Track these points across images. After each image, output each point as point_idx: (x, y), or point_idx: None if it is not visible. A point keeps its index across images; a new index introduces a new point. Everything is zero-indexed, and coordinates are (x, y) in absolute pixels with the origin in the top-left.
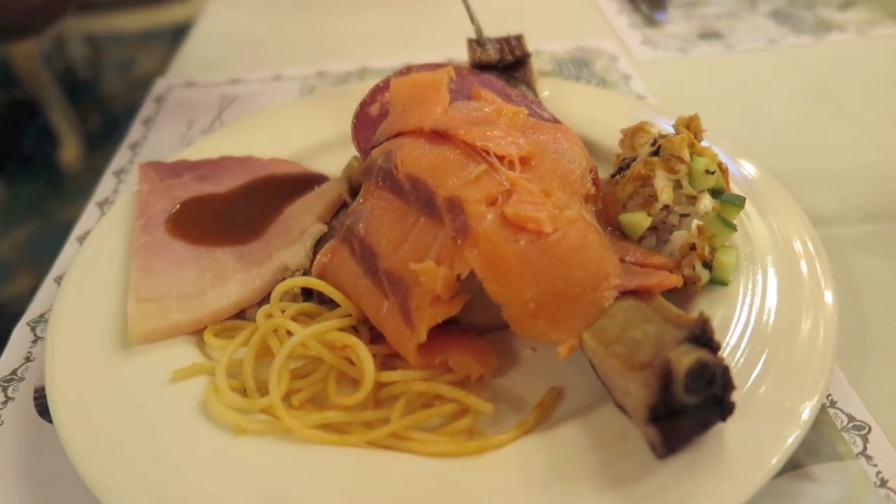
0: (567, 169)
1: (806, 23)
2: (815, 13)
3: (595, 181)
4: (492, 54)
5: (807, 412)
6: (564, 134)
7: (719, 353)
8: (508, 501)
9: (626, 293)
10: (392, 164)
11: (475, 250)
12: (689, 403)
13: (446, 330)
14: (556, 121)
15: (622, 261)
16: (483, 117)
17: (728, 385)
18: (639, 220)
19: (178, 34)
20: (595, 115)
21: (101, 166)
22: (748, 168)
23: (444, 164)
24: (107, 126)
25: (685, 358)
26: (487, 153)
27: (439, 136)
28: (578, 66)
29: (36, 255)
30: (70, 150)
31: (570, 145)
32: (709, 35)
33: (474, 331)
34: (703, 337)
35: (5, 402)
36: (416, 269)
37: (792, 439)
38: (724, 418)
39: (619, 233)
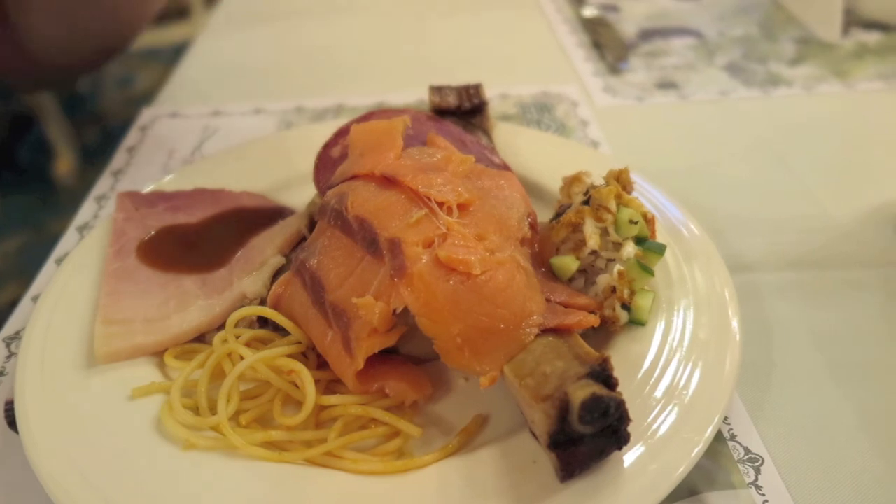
0: (505, 214)
1: (757, 76)
2: (767, 68)
3: (533, 225)
4: (451, 101)
5: (700, 443)
6: (507, 181)
7: (617, 389)
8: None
9: (546, 331)
10: (343, 206)
11: (409, 288)
12: (584, 433)
13: (385, 359)
14: (505, 167)
15: (548, 300)
16: (432, 164)
17: (623, 417)
18: (567, 263)
19: (178, 53)
20: (545, 161)
21: (95, 181)
22: (678, 215)
23: (390, 207)
24: (103, 141)
25: (580, 392)
26: (429, 199)
27: (388, 181)
28: (541, 111)
29: (26, 266)
30: (65, 164)
31: (510, 191)
32: (666, 85)
33: (411, 360)
34: (602, 374)
35: None
36: (357, 303)
37: (680, 471)
38: (619, 447)
39: (551, 274)
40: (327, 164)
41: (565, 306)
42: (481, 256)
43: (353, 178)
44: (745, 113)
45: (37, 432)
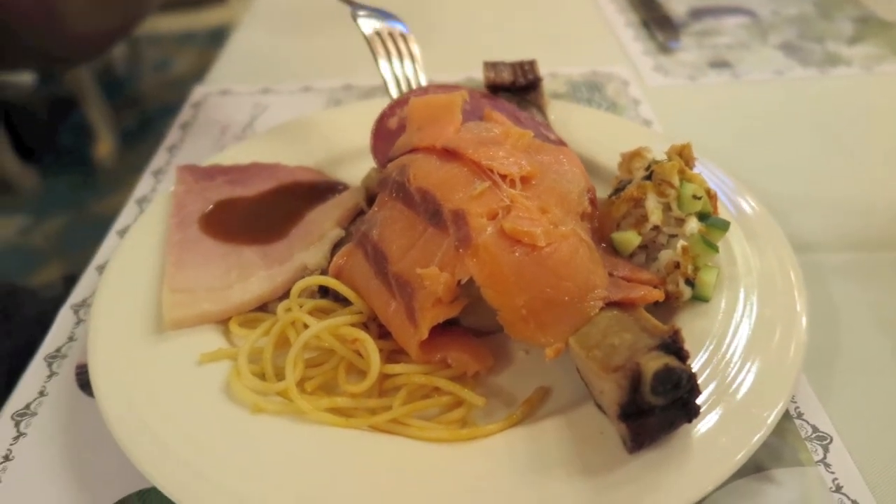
0: (565, 189)
1: (814, 56)
2: (824, 47)
3: (592, 201)
4: (505, 76)
5: (770, 418)
6: (566, 156)
7: (688, 362)
8: (492, 483)
9: (611, 304)
10: (405, 178)
11: (475, 259)
12: (655, 404)
13: (447, 330)
14: (561, 143)
15: (611, 275)
16: (491, 138)
17: (693, 390)
18: (629, 238)
19: (214, 37)
20: (599, 138)
21: (134, 163)
22: (739, 194)
23: (452, 179)
24: (141, 124)
25: (653, 363)
26: (492, 171)
27: (449, 153)
28: (591, 90)
29: (67, 245)
30: (105, 146)
31: (570, 166)
32: (718, 64)
33: (473, 332)
34: (674, 346)
35: (50, 377)
36: (422, 273)
37: (753, 441)
38: (689, 420)
39: (612, 249)
40: (385, 134)
41: (628, 281)
42: (545, 228)
43: (413, 151)
44: (802, 93)
45: (111, 396)
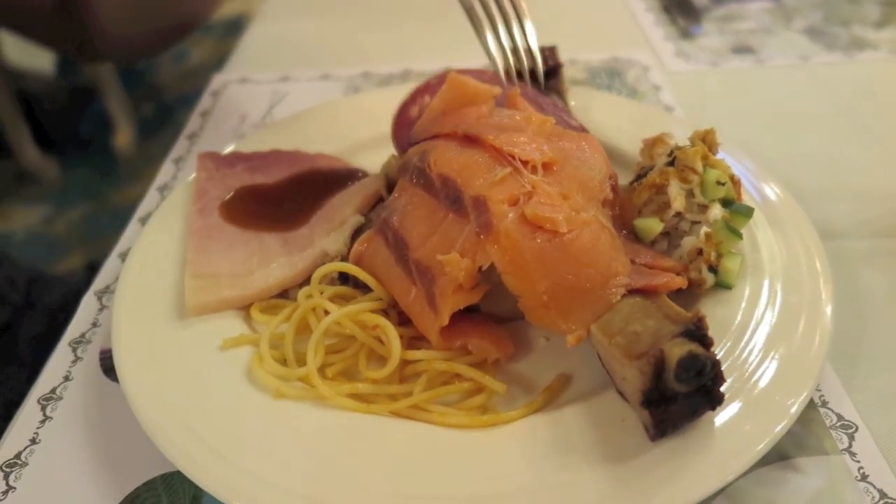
0: (587, 175)
1: (839, 40)
2: (850, 31)
3: (614, 188)
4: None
5: (794, 407)
6: (588, 142)
7: (712, 349)
8: (513, 468)
9: (633, 291)
10: (426, 164)
11: (496, 245)
12: (679, 391)
13: (468, 317)
14: (583, 129)
15: (633, 262)
16: (513, 124)
17: (718, 377)
18: (651, 225)
19: (231, 28)
20: (620, 124)
21: (154, 153)
22: (763, 180)
23: (473, 165)
24: (159, 114)
25: (677, 349)
26: (513, 157)
27: (470, 139)
28: (611, 76)
29: (89, 234)
30: (124, 137)
31: (592, 153)
32: (741, 49)
33: (494, 319)
34: (698, 333)
35: (75, 362)
36: (442, 259)
37: (777, 430)
38: (713, 407)
39: (634, 236)
40: (406, 122)
41: (650, 268)
42: (567, 215)
43: (434, 137)
44: (828, 78)
45: (135, 381)
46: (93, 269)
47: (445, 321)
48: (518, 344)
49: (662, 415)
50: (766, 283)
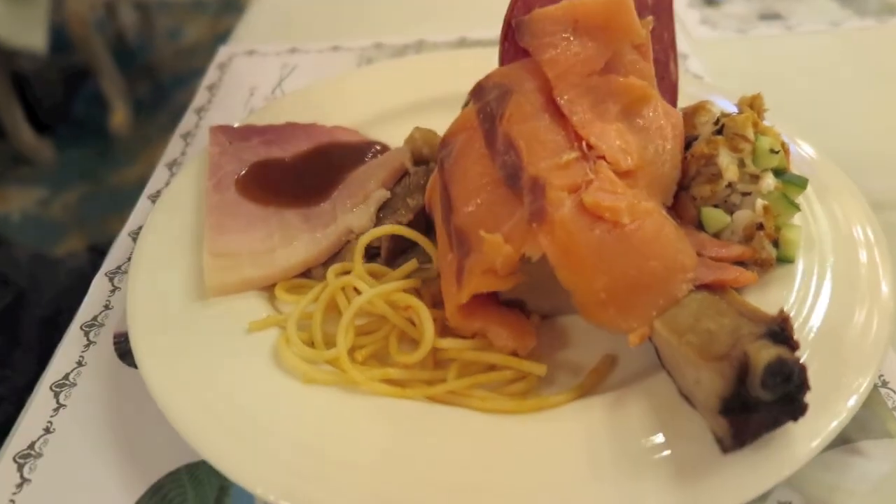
0: (660, 171)
1: (870, 5)
2: None
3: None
4: None
5: (858, 390)
6: (673, 129)
7: (797, 352)
8: (570, 455)
9: (700, 286)
10: (499, 113)
11: (549, 237)
12: (763, 399)
13: (496, 302)
14: (674, 88)
15: (698, 254)
16: (609, 90)
17: (803, 385)
18: (718, 217)
19: (226, 6)
20: None
21: (150, 133)
22: (807, 150)
23: (544, 139)
24: (155, 93)
25: (765, 353)
26: (590, 147)
27: (556, 109)
28: None
29: (86, 216)
30: (119, 117)
31: (673, 144)
32: (769, 16)
33: (539, 313)
34: (782, 334)
35: (88, 346)
36: (484, 237)
37: (843, 416)
38: (795, 418)
39: (692, 226)
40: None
41: (716, 260)
42: (629, 203)
43: (530, 67)
44: (860, 44)
45: (155, 366)
46: (96, 250)
47: (464, 299)
48: (555, 326)
49: (742, 424)
50: (819, 259)
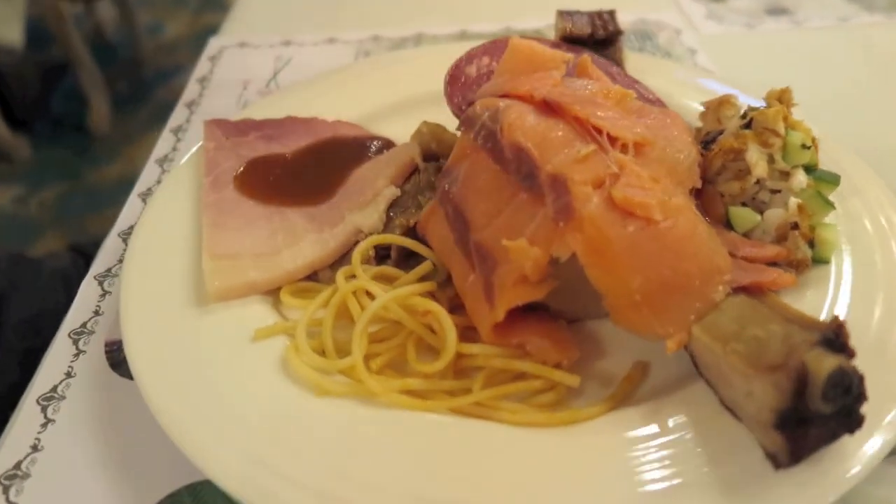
0: (675, 158)
1: (878, 0)
2: None
3: (702, 174)
4: (583, 28)
5: None
6: (674, 120)
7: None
8: (608, 474)
9: (737, 289)
10: (497, 126)
11: (578, 234)
12: (822, 412)
13: (528, 313)
14: (660, 104)
15: (731, 255)
16: (589, 96)
17: (861, 396)
18: (747, 216)
19: (207, 0)
20: (681, 93)
21: (130, 130)
22: (830, 145)
23: (552, 137)
24: (135, 90)
25: (826, 363)
26: (600, 133)
27: (550, 107)
28: (642, 39)
29: (65, 215)
30: (98, 114)
31: (679, 133)
32: (776, 11)
33: (561, 319)
34: (837, 342)
35: (77, 355)
36: (508, 245)
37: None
38: (851, 431)
39: (721, 225)
40: (463, 81)
41: (750, 261)
42: (660, 200)
43: (506, 96)
44: (869, 39)
45: (153, 377)
46: (77, 251)
47: (500, 317)
48: (579, 331)
49: (798, 439)
50: (853, 258)
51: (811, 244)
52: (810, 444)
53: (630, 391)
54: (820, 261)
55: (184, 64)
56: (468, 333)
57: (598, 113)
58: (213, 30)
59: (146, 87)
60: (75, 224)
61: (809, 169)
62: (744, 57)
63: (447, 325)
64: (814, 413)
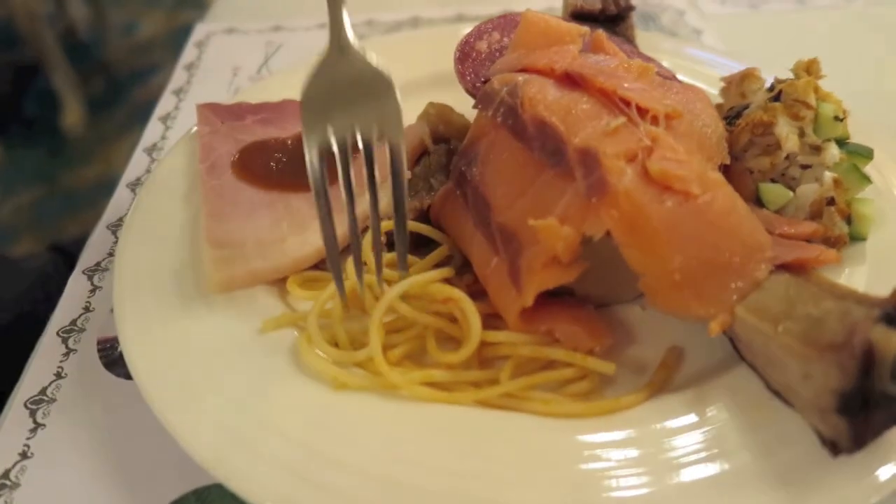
0: (703, 133)
1: None
2: None
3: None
4: (594, 3)
5: None
6: (696, 94)
7: None
8: (653, 466)
9: (780, 267)
10: (518, 101)
11: (614, 210)
12: (890, 392)
13: (555, 298)
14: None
15: (770, 232)
16: (610, 70)
17: None
18: (779, 192)
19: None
20: (696, 72)
21: (106, 131)
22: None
23: (578, 111)
24: (110, 90)
25: (894, 340)
26: (628, 105)
27: (572, 80)
28: (645, 20)
29: (40, 219)
30: (72, 115)
31: (703, 107)
32: None
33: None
34: None
35: (67, 355)
36: (536, 225)
37: None
38: None
39: (751, 202)
40: (474, 57)
41: (788, 238)
42: (698, 172)
43: (524, 71)
44: (877, 19)
45: (155, 375)
46: (59, 251)
47: (529, 302)
48: (607, 316)
49: (861, 424)
50: (887, 233)
51: (848, 220)
52: (873, 429)
53: (667, 378)
54: (857, 237)
55: (159, 63)
56: (490, 321)
57: (625, 84)
58: (189, 28)
59: (121, 88)
60: (52, 227)
61: (841, 142)
62: (749, 37)
63: (471, 311)
64: (879, 394)
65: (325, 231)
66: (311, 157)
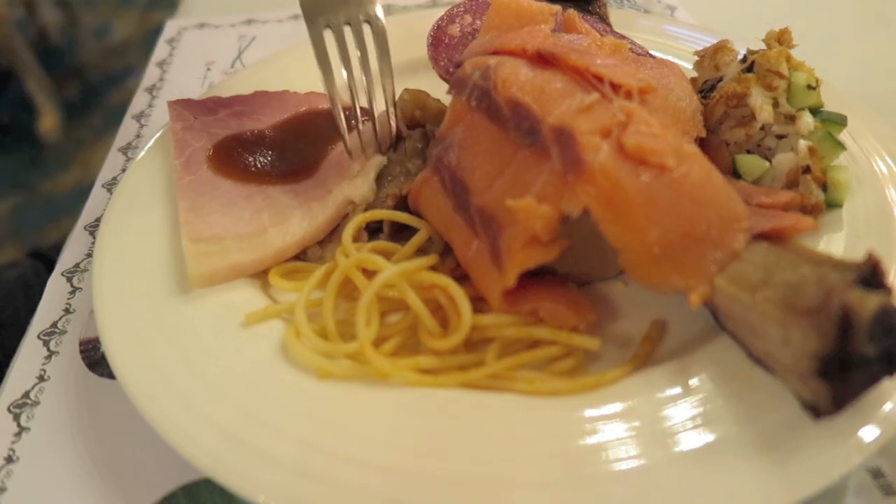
0: (678, 107)
1: None
2: None
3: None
4: None
5: None
6: (670, 68)
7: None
8: (640, 437)
9: (757, 236)
10: (490, 84)
11: (590, 186)
12: (867, 354)
13: (537, 277)
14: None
15: (746, 202)
16: (583, 48)
17: None
18: (755, 163)
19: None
20: (669, 48)
21: (83, 136)
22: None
23: (551, 90)
24: (85, 94)
25: (870, 302)
26: (601, 81)
27: (544, 60)
28: None
29: (19, 227)
30: (48, 121)
31: (677, 81)
32: None
33: (572, 281)
34: (875, 280)
35: (49, 357)
36: (513, 205)
37: None
38: (892, 373)
39: (729, 175)
40: (446, 41)
41: (765, 208)
42: (672, 146)
43: (496, 53)
44: None
45: (137, 374)
46: (38, 257)
47: (511, 282)
48: (589, 293)
49: (840, 386)
50: (862, 199)
51: (824, 188)
52: (852, 390)
53: (651, 351)
54: (833, 204)
55: (134, 65)
56: (474, 305)
57: (597, 61)
58: (162, 28)
59: (96, 91)
60: (33, 234)
61: (814, 111)
62: (728, 11)
63: (460, 297)
64: (856, 356)
65: (328, 85)
66: (313, 33)
